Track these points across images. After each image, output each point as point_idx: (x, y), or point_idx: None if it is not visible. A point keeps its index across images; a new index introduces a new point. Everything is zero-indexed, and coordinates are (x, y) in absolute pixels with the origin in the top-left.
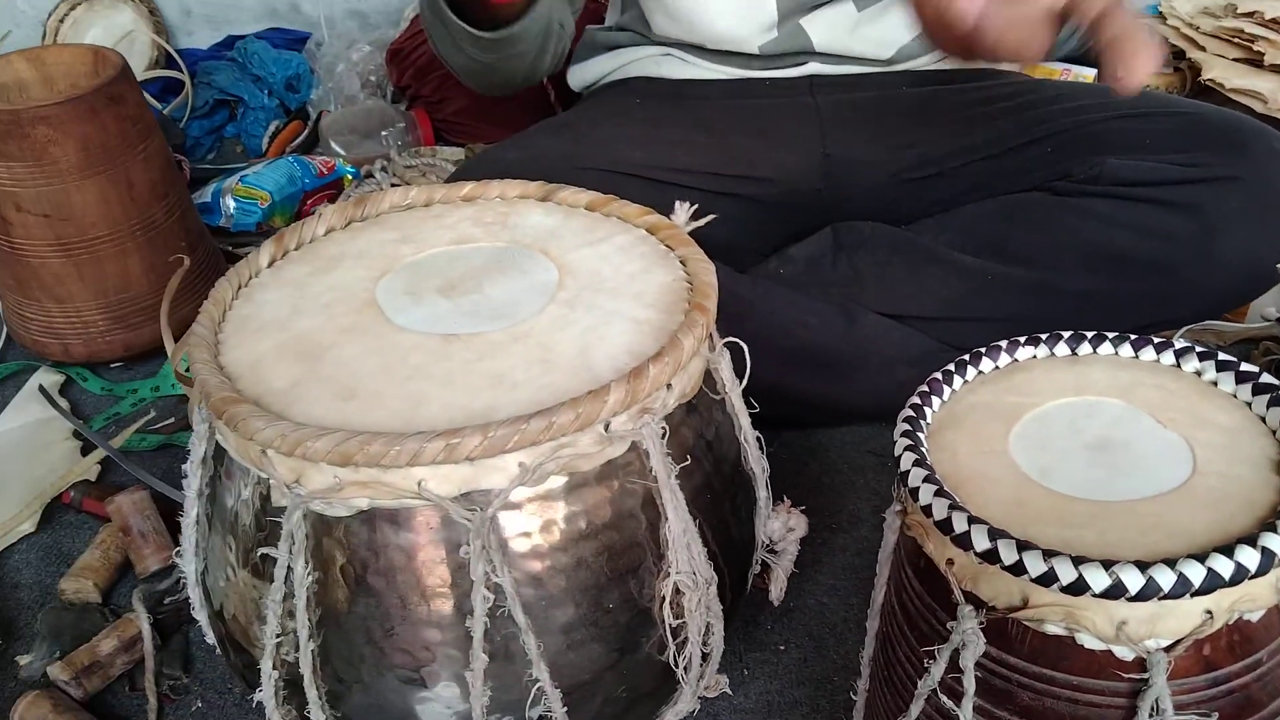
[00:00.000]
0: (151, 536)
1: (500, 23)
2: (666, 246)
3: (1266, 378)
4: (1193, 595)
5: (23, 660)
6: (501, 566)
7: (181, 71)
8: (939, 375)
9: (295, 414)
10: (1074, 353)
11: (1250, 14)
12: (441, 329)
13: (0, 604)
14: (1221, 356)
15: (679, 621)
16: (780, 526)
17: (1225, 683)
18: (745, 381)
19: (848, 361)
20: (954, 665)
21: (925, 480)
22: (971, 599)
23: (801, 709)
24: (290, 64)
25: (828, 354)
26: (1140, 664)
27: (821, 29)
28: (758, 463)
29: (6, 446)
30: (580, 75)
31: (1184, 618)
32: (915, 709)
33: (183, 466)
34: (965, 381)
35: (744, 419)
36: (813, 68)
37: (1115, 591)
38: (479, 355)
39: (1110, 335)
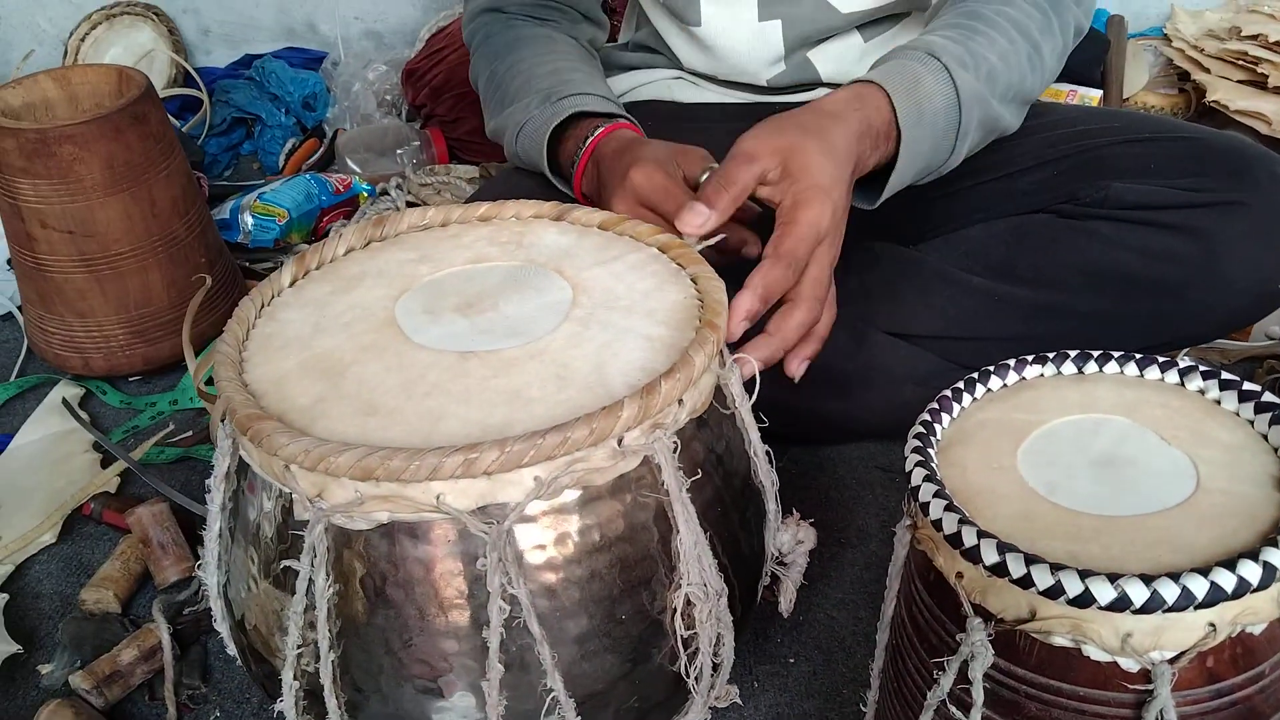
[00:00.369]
0: (171, 548)
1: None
2: (678, 265)
3: (1268, 396)
4: (1196, 608)
5: (44, 669)
6: (517, 578)
7: (200, 90)
8: (949, 393)
9: (318, 430)
10: (1081, 371)
11: (1254, 37)
12: (459, 346)
13: (22, 614)
14: (1225, 376)
15: (690, 632)
16: (790, 539)
17: (1228, 694)
18: (755, 397)
19: (856, 380)
20: (963, 677)
21: (935, 495)
22: (980, 611)
23: None
24: (307, 83)
25: (836, 372)
26: (1145, 675)
27: (828, 61)
28: (767, 476)
29: (28, 458)
30: None
31: (1188, 630)
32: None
33: (205, 481)
34: (974, 399)
35: (754, 433)
36: (821, 93)
37: (1120, 604)
38: (495, 372)
39: (1116, 354)
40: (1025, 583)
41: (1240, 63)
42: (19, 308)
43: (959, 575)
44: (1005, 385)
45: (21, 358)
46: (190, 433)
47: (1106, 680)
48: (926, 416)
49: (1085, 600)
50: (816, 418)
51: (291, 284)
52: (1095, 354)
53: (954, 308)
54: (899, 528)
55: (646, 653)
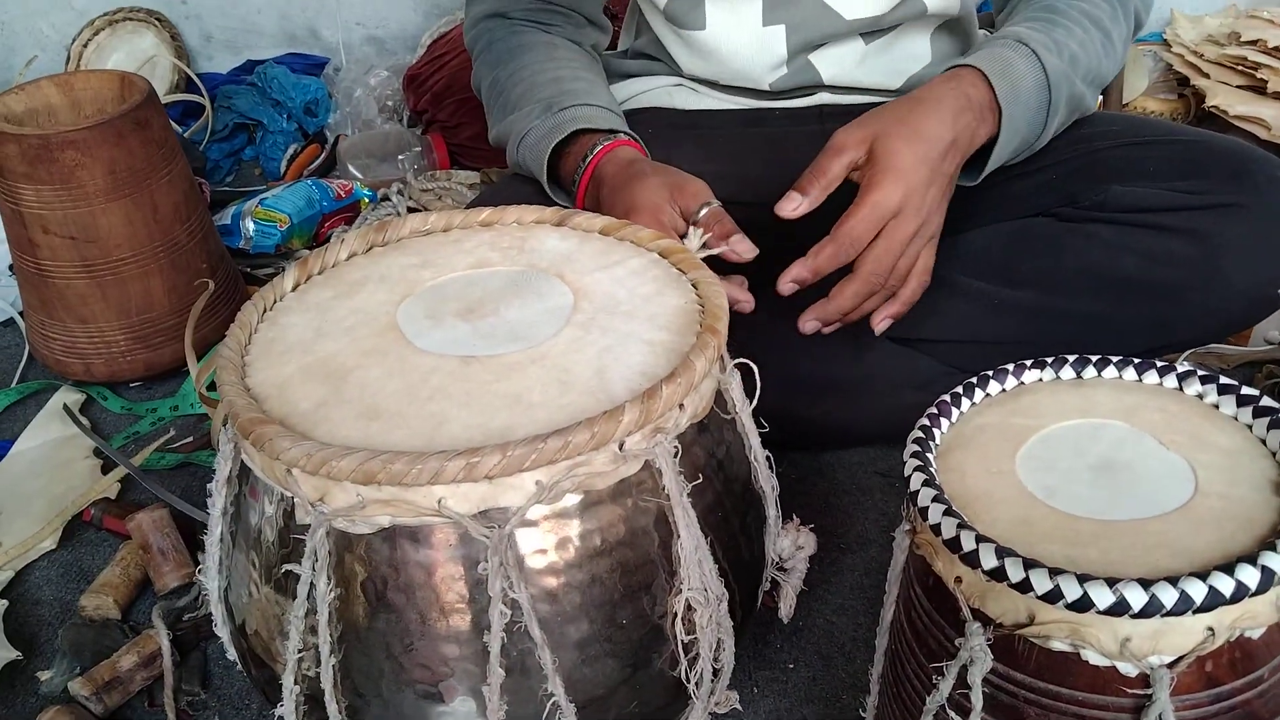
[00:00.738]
0: (171, 554)
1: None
2: (679, 270)
3: (1267, 401)
4: (1195, 612)
5: (44, 676)
6: (518, 583)
7: (202, 95)
8: (947, 397)
9: (320, 434)
10: (1079, 376)
11: (1254, 42)
12: (461, 351)
13: (22, 620)
14: (1223, 380)
15: (690, 637)
16: (790, 544)
17: (1227, 699)
18: (755, 402)
19: (856, 385)
20: (962, 682)
21: (934, 500)
22: (979, 616)
23: None
24: (309, 89)
25: (836, 377)
26: (1144, 680)
27: (830, 64)
28: (767, 481)
29: (28, 464)
30: None
31: (1186, 635)
32: None
33: (206, 487)
34: (973, 404)
35: (754, 438)
36: (823, 98)
37: (1119, 608)
38: (497, 376)
39: (1114, 359)
40: (1024, 587)
41: (1240, 68)
42: (20, 313)
43: (958, 580)
44: (1004, 390)
45: (23, 363)
46: (191, 438)
47: (1105, 685)
48: (925, 421)
49: (1084, 605)
50: (816, 423)
51: (294, 289)
52: (1094, 358)
53: (954, 312)
54: (898, 533)
55: (647, 658)
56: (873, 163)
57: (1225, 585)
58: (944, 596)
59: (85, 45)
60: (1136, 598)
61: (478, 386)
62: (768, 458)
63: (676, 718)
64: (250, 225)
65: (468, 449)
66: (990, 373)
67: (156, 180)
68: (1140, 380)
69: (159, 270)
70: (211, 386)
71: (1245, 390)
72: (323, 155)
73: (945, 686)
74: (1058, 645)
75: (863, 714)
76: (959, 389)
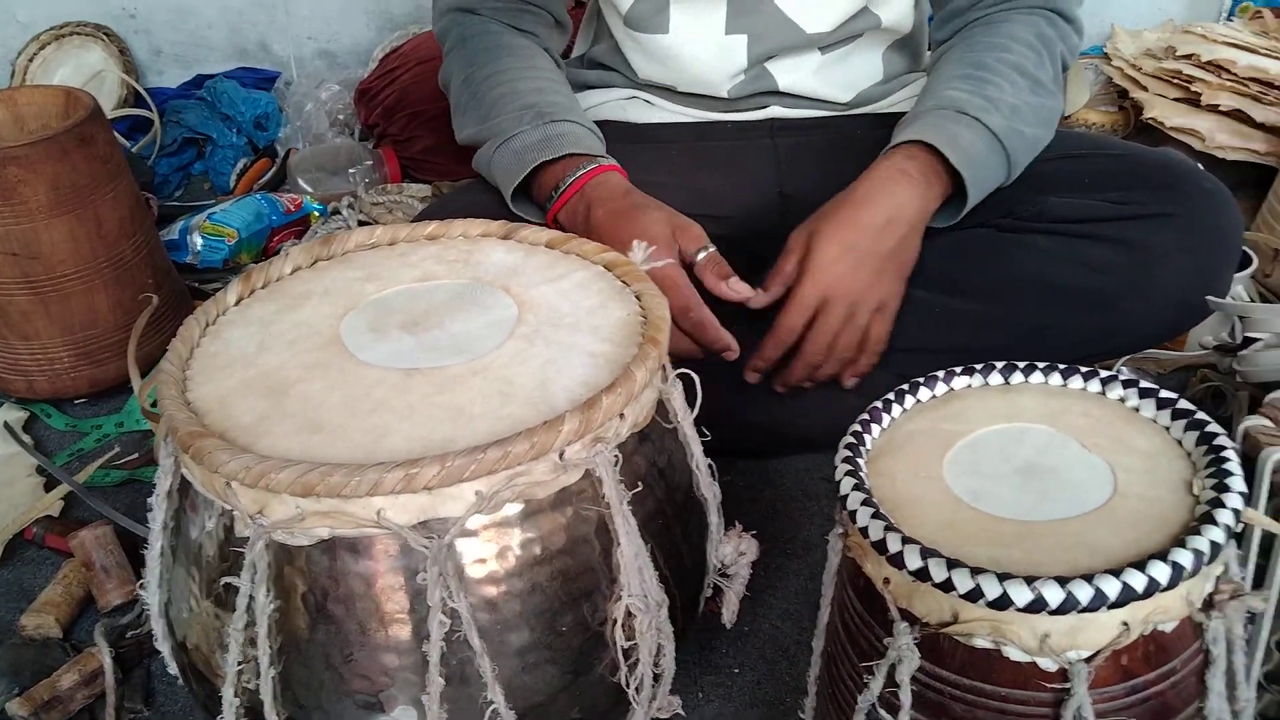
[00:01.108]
0: (114, 571)
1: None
2: (623, 283)
3: (1184, 404)
4: (1109, 608)
5: None
6: (458, 592)
7: (151, 110)
8: (879, 404)
9: (261, 448)
10: (1007, 382)
11: (1188, 56)
12: (404, 364)
13: None
14: (1144, 384)
15: (631, 643)
16: (732, 551)
17: (1142, 690)
18: (697, 410)
19: (802, 391)
20: (891, 680)
21: (863, 504)
22: (907, 616)
23: None
24: (259, 103)
25: None
26: (1063, 674)
27: (786, 72)
28: (709, 489)
29: None
30: None
31: (1102, 630)
32: None
33: (148, 500)
34: (904, 410)
35: (696, 447)
36: (774, 111)
37: (1037, 605)
38: (439, 389)
39: (1041, 365)
40: (947, 587)
41: (1175, 81)
42: None
43: (886, 581)
44: (934, 396)
45: None
46: (136, 455)
47: (1026, 680)
48: (857, 427)
49: (1004, 602)
50: (761, 429)
51: (237, 303)
52: (1021, 365)
53: (899, 321)
54: (831, 536)
55: (588, 664)
56: (804, 260)
57: (1138, 581)
58: (874, 597)
59: (31, 60)
60: (1054, 595)
61: (420, 399)
62: (710, 466)
63: None
64: (198, 240)
65: (407, 460)
66: (921, 379)
67: (101, 196)
68: (1065, 385)
69: (104, 286)
70: (155, 402)
71: (1164, 394)
72: (273, 169)
73: (876, 685)
74: (981, 643)
75: (802, 716)
76: (890, 395)
